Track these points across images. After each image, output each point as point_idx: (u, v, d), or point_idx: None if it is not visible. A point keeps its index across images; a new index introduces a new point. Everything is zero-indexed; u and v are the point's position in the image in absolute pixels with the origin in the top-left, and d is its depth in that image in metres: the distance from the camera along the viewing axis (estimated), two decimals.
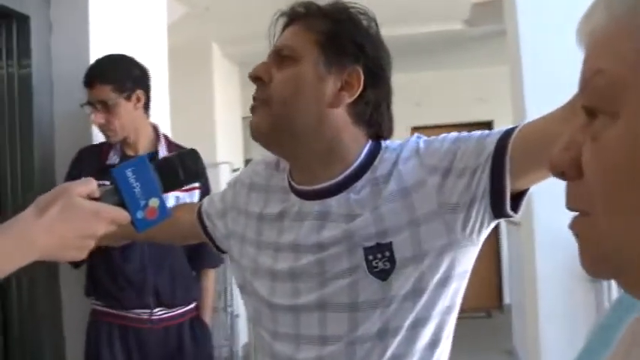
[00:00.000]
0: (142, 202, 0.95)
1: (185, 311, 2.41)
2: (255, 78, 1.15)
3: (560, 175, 0.50)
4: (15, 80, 2.34)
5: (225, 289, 5.17)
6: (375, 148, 1.17)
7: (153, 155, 1.02)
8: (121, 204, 0.95)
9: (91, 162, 2.25)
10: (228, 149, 5.88)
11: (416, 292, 1.09)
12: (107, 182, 2.22)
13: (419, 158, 1.11)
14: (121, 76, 2.25)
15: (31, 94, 2.33)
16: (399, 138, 1.20)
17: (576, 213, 0.50)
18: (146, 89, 2.33)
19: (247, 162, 6.40)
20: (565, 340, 2.75)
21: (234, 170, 5.71)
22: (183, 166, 1.00)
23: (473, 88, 7.26)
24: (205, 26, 5.27)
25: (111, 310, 2.29)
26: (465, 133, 1.12)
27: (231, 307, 5.21)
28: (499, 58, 5.21)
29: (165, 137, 2.45)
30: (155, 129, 2.42)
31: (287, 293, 1.16)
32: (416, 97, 7.21)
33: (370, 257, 1.09)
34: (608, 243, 0.48)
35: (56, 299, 2.39)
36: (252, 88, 1.18)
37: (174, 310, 2.37)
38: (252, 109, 1.16)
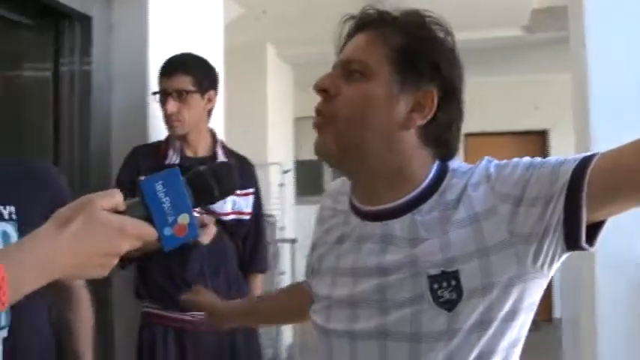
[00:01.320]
0: (171, 219, 0.87)
1: None
2: (321, 90, 1.08)
3: None
4: (76, 77, 2.39)
5: (272, 290, 5.19)
6: (442, 169, 1.11)
7: (184, 168, 0.94)
8: (148, 219, 0.86)
9: (148, 160, 2.27)
10: (279, 150, 5.91)
11: (482, 325, 1.02)
12: None
13: (489, 184, 1.05)
14: (202, 72, 2.31)
15: (90, 91, 2.38)
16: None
17: None
18: (216, 94, 2.39)
19: (298, 163, 6.43)
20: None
21: (285, 171, 5.74)
22: (219, 182, 0.93)
23: (529, 96, 7.11)
24: (261, 28, 5.32)
25: (166, 313, 2.29)
26: (538, 159, 1.05)
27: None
28: (557, 65, 5.09)
29: (222, 143, 2.46)
30: (213, 134, 2.44)
31: (344, 318, 1.11)
32: (472, 103, 7.07)
33: (435, 286, 1.03)
34: None
35: (107, 301, 2.42)
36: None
37: None
38: (317, 125, 1.09)
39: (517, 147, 6.81)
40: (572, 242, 0.98)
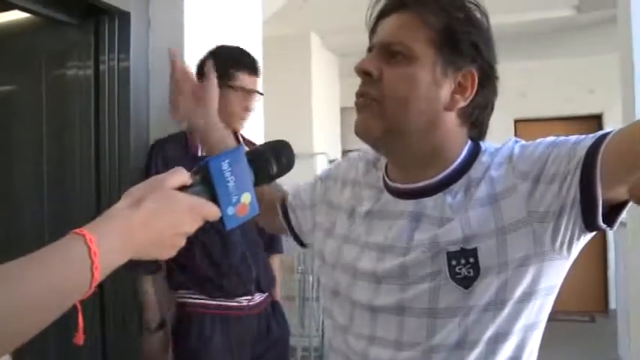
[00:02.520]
0: (235, 198, 0.86)
1: (268, 295, 2.49)
2: (363, 72, 1.09)
3: None
4: (115, 73, 2.44)
5: (318, 280, 5.21)
6: (474, 149, 1.12)
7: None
8: (212, 198, 0.86)
9: (177, 152, 2.31)
10: (325, 140, 5.90)
11: (497, 303, 1.02)
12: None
13: (511, 164, 1.05)
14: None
15: (129, 84, 2.42)
16: (502, 130, 1.14)
17: None
18: None
19: (344, 153, 6.41)
20: None
21: (331, 161, 5.73)
22: (277, 160, 0.93)
23: (581, 79, 6.88)
24: (305, 17, 5.30)
25: (211, 302, 2.32)
26: (561, 138, 1.03)
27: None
28: (610, 45, 4.92)
29: (242, 135, 2.51)
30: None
31: (366, 292, 1.13)
32: (521, 88, 6.93)
33: (453, 262, 1.04)
34: None
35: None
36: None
37: (264, 294, 2.45)
38: (360, 107, 1.10)
39: (569, 132, 6.55)
40: (589, 222, 0.96)
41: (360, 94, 1.10)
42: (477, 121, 1.13)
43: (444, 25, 1.07)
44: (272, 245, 2.62)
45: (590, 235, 1.00)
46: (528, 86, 6.94)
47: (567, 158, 0.97)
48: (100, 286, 0.76)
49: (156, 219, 0.80)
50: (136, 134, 2.42)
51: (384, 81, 1.07)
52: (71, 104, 2.51)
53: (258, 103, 2.45)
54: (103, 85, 2.43)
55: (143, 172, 2.31)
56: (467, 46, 1.08)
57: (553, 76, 6.93)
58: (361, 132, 1.10)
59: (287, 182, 1.35)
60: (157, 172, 2.13)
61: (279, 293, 2.62)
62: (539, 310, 1.06)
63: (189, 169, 2.51)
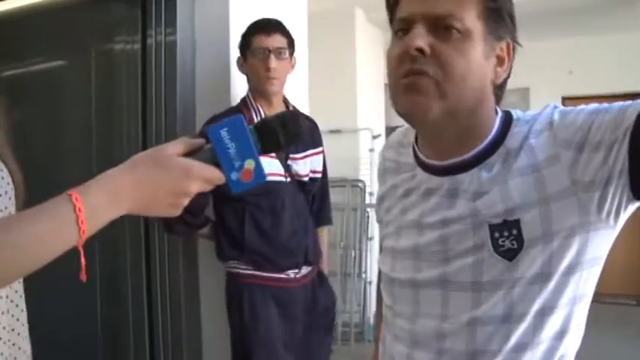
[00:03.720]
0: (237, 164, 0.91)
1: (315, 267, 2.53)
2: (417, 49, 0.99)
3: None
4: (162, 46, 2.49)
5: (360, 255, 5.23)
6: (507, 120, 1.09)
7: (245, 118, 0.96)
8: (217, 164, 0.92)
9: None
10: (369, 115, 5.87)
11: (543, 276, 1.01)
12: None
13: (552, 131, 1.02)
14: (291, 36, 2.42)
15: (175, 58, 2.47)
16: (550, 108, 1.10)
17: None
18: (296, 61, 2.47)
19: (388, 129, 6.37)
20: None
21: (375, 137, 5.70)
22: (284, 129, 0.95)
23: (635, 55, 6.66)
24: None
25: (264, 274, 2.37)
26: (605, 104, 0.99)
27: (365, 273, 5.26)
28: None
29: (294, 107, 2.51)
30: (285, 98, 2.49)
31: (408, 268, 1.13)
32: (569, 65, 6.74)
33: (497, 235, 1.02)
34: None
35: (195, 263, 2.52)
36: None
37: (312, 267, 2.49)
38: (413, 87, 1.01)
39: None
40: (638, 190, 0.93)
41: (413, 72, 1.00)
42: (501, 91, 1.10)
43: None
44: (320, 217, 2.64)
45: (638, 204, 0.97)
46: (577, 63, 6.75)
47: (614, 125, 0.93)
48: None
49: (148, 178, 0.88)
50: (182, 108, 2.46)
51: (441, 58, 0.99)
52: (119, 78, 2.56)
53: (300, 80, 2.44)
54: (150, 59, 2.49)
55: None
56: (507, 18, 1.05)
57: (604, 53, 6.72)
58: (419, 114, 1.03)
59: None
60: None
61: (326, 266, 2.65)
62: (585, 282, 1.04)
63: None
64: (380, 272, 1.29)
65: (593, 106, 1.00)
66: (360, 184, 5.45)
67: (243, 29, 2.36)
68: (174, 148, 0.91)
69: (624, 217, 0.99)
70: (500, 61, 1.06)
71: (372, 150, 5.63)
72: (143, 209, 0.90)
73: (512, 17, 1.06)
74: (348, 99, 5.60)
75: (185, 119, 2.46)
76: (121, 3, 2.51)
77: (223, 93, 2.46)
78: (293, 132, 0.97)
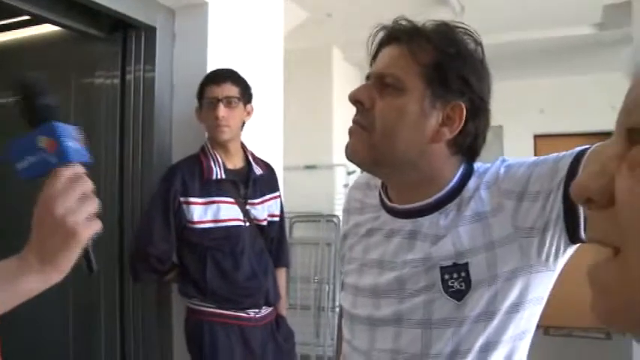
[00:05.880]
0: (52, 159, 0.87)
1: (274, 309, 2.61)
2: (356, 101, 1.13)
3: (586, 201, 0.47)
4: (141, 83, 2.56)
5: (334, 289, 5.27)
6: (468, 171, 1.17)
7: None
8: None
9: (192, 177, 2.40)
10: (344, 152, 5.96)
11: (488, 314, 1.09)
12: (216, 197, 2.38)
13: (497, 183, 1.12)
14: (246, 85, 2.50)
15: (154, 95, 2.55)
16: (523, 146, 1.19)
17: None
18: (252, 109, 2.55)
19: None
20: None
21: (350, 173, 5.79)
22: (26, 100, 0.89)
23: (603, 95, 6.86)
24: (327, 31, 5.39)
25: (220, 311, 2.43)
26: (542, 157, 1.10)
27: (339, 307, 5.30)
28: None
29: (251, 153, 2.60)
30: (244, 145, 2.59)
31: (367, 306, 1.20)
32: (540, 104, 6.94)
33: (446, 276, 1.10)
34: (636, 291, 0.43)
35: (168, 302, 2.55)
36: None
37: (272, 308, 2.58)
38: (351, 132, 1.14)
39: None
40: (573, 235, 1.02)
41: (353, 121, 1.13)
42: (469, 150, 1.16)
43: (434, 61, 1.09)
44: (279, 259, 2.70)
45: (574, 247, 1.05)
46: (548, 102, 6.95)
47: (550, 176, 1.03)
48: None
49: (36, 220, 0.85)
50: (159, 142, 2.53)
51: (375, 111, 1.10)
52: (98, 112, 2.62)
53: (275, 117, 2.51)
54: (129, 93, 2.55)
55: (162, 199, 2.37)
56: (456, 80, 1.10)
57: (573, 93, 6.93)
58: (350, 155, 1.14)
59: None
60: (175, 198, 2.29)
61: (284, 307, 2.72)
62: (527, 320, 1.12)
63: (204, 194, 2.61)
64: (341, 309, 1.36)
65: (534, 158, 1.10)
66: (334, 219, 5.52)
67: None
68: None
69: (563, 260, 1.08)
70: (449, 121, 1.11)
71: (346, 185, 5.72)
72: (47, 250, 0.85)
73: (466, 81, 1.11)
74: (324, 135, 5.70)
75: (161, 154, 2.53)
76: (102, 41, 2.58)
77: (199, 134, 2.53)
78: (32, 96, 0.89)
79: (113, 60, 2.59)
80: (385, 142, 1.10)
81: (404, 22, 1.16)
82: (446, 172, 1.16)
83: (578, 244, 1.04)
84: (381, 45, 1.18)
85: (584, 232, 1.00)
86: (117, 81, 2.59)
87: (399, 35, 1.14)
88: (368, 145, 1.11)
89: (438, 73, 1.10)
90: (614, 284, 0.45)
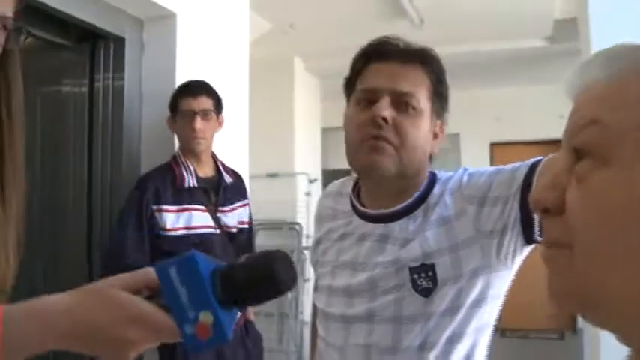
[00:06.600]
0: (191, 314, 0.71)
1: (243, 314, 2.63)
2: (383, 118, 1.20)
3: (543, 211, 0.55)
4: (110, 92, 2.59)
5: (295, 297, 5.33)
6: (432, 180, 1.30)
7: (224, 267, 0.76)
8: (169, 310, 0.73)
9: (165, 185, 2.44)
10: (306, 160, 6.04)
11: (453, 309, 1.19)
12: (188, 205, 2.41)
13: (461, 190, 1.23)
14: (218, 97, 2.57)
15: (123, 104, 2.59)
16: (479, 154, 1.31)
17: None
18: (223, 119, 2.61)
19: (325, 173, 6.57)
20: None
21: (311, 181, 5.87)
22: (251, 281, 0.73)
23: (555, 105, 7.12)
24: (289, 41, 5.47)
25: None
26: (502, 167, 1.22)
27: (302, 314, 5.36)
28: None
29: (221, 162, 2.66)
30: (214, 155, 2.65)
31: (341, 304, 1.29)
32: (496, 113, 7.16)
33: (415, 276, 1.20)
34: (582, 278, 0.51)
35: None
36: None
37: (241, 313, 2.58)
38: (376, 148, 1.21)
39: (542, 155, 6.78)
40: (529, 237, 1.14)
41: (377, 137, 1.21)
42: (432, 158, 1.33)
43: (436, 83, 1.25)
44: None
45: (530, 248, 1.17)
46: (504, 111, 7.18)
47: (508, 183, 1.15)
48: None
49: (84, 312, 0.72)
50: (128, 150, 2.56)
51: (400, 129, 1.21)
52: (66, 120, 2.64)
53: (241, 127, 2.56)
54: (97, 102, 2.58)
55: (135, 207, 2.39)
56: (446, 100, 1.28)
57: (528, 103, 7.17)
58: (379, 171, 1.22)
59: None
60: (148, 207, 2.32)
61: (252, 312, 2.77)
62: (488, 315, 1.23)
63: (176, 202, 2.60)
64: (314, 309, 1.45)
65: (494, 168, 1.23)
66: (296, 227, 5.59)
67: (189, 79, 2.51)
68: (128, 281, 0.76)
69: (519, 259, 1.21)
70: (437, 136, 1.28)
71: (308, 194, 5.80)
72: (81, 347, 0.75)
73: (447, 102, 1.28)
74: (285, 144, 5.77)
75: (130, 163, 2.56)
76: (70, 50, 2.61)
77: (168, 143, 2.58)
78: (269, 282, 0.74)
79: (81, 69, 2.62)
80: (411, 157, 1.23)
81: (399, 42, 1.27)
82: (422, 181, 1.28)
83: (533, 245, 1.16)
84: (381, 58, 1.26)
85: (539, 235, 1.11)
86: (85, 89, 2.61)
87: (412, 55, 1.25)
88: (396, 160, 1.22)
89: (438, 95, 1.26)
90: (565, 270, 0.53)
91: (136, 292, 0.74)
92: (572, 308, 0.56)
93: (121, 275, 0.76)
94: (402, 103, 1.22)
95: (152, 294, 0.74)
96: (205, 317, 0.71)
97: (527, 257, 1.21)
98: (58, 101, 2.67)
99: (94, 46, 2.60)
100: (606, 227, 0.50)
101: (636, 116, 0.50)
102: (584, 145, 0.53)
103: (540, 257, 0.56)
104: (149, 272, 0.76)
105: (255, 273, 0.74)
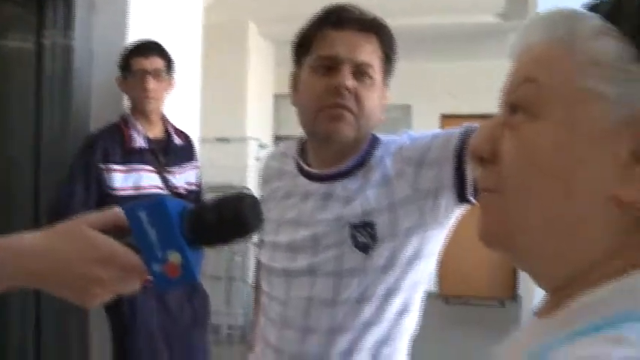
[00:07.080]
0: (160, 254, 0.74)
1: None
2: (346, 89, 1.25)
3: (479, 160, 0.61)
4: (58, 49, 2.54)
5: (244, 260, 5.38)
6: (374, 142, 1.35)
7: (187, 206, 0.78)
8: (138, 250, 0.75)
9: (112, 146, 2.43)
10: (257, 125, 6.04)
11: (390, 265, 1.26)
12: (137, 165, 2.40)
13: (401, 152, 1.30)
14: (170, 58, 2.56)
15: (72, 63, 2.54)
16: (430, 125, 1.36)
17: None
18: (174, 81, 2.60)
19: (276, 138, 6.58)
20: None
21: (262, 146, 5.88)
22: (223, 221, 0.76)
23: (503, 79, 7.26)
24: (244, 6, 5.42)
25: None
26: (441, 130, 1.30)
27: (249, 278, 5.42)
28: None
29: (170, 123, 2.67)
30: (163, 115, 2.65)
31: (284, 259, 1.34)
32: (449, 87, 7.27)
33: (355, 233, 1.26)
34: (510, 218, 0.58)
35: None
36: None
37: None
38: (340, 117, 1.26)
39: None
40: (462, 197, 1.21)
41: (339, 105, 1.26)
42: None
43: (388, 52, 1.32)
44: None
45: (462, 207, 1.25)
46: (456, 85, 7.29)
47: (445, 147, 1.22)
48: None
49: (54, 248, 0.73)
50: (77, 109, 2.53)
51: (360, 98, 1.27)
52: (12, 76, 2.58)
53: (193, 91, 2.55)
54: (45, 59, 2.53)
55: (82, 164, 2.39)
56: (393, 63, 1.34)
57: (482, 76, 7.28)
58: (339, 137, 1.28)
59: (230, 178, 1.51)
60: (96, 165, 2.31)
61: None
62: (422, 272, 1.31)
63: (125, 162, 2.59)
64: (258, 264, 1.50)
65: (433, 132, 1.30)
66: (246, 191, 5.61)
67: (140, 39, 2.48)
68: (96, 219, 0.77)
69: (452, 218, 1.28)
70: (384, 100, 1.34)
71: (258, 159, 5.81)
72: (53, 289, 0.76)
73: (393, 70, 1.35)
74: (237, 109, 5.75)
75: (79, 123, 2.53)
76: (16, 5, 2.54)
77: (117, 102, 2.56)
78: (237, 223, 0.77)
79: (28, 25, 2.55)
80: (365, 123, 1.29)
81: (354, 9, 1.31)
82: (366, 142, 1.34)
83: (465, 204, 1.23)
84: (333, 27, 1.29)
85: (471, 195, 1.19)
86: (31, 45, 2.55)
87: (368, 25, 1.30)
88: (355, 126, 1.28)
89: (388, 66, 1.33)
90: (495, 213, 0.60)
91: (105, 231, 0.75)
92: (499, 247, 0.61)
93: (91, 214, 0.77)
94: (360, 72, 1.27)
95: (120, 234, 0.75)
96: (174, 257, 0.74)
97: (471, 229, 1.27)
98: (3, 55, 2.60)
99: (43, 3, 2.54)
100: (531, 170, 0.56)
101: (565, 78, 0.56)
102: (519, 101, 0.59)
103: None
104: (117, 212, 0.77)
105: (224, 213, 0.76)
